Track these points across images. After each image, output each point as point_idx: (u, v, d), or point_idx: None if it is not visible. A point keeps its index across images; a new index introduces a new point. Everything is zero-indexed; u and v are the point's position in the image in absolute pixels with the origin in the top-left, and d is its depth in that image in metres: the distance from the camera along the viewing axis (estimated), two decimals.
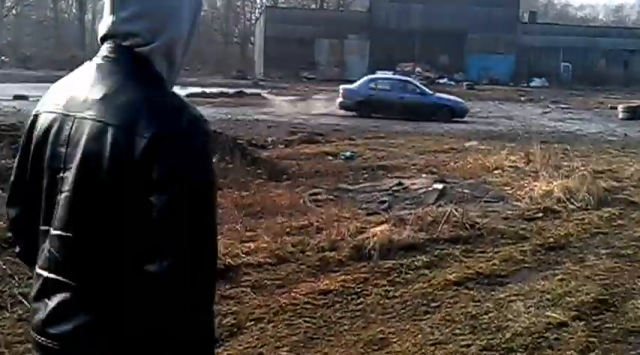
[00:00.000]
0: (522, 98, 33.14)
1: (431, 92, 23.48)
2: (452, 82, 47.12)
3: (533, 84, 49.54)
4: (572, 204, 8.03)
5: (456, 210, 7.03)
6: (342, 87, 23.36)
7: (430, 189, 8.95)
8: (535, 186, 8.78)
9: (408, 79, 26.06)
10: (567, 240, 6.54)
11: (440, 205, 7.90)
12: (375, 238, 6.02)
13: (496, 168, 10.67)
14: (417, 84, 24.36)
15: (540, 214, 7.66)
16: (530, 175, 9.70)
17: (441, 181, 9.36)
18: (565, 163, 10.94)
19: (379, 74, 25.78)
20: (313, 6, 75.15)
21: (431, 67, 52.11)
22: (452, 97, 24.28)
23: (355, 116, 21.28)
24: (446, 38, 54.45)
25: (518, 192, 8.80)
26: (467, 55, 55.88)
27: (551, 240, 6.50)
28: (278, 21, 55.57)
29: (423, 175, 10.06)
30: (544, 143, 14.52)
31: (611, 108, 27.98)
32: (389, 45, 54.42)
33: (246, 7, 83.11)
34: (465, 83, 42.87)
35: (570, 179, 8.72)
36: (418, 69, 51.05)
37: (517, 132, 16.73)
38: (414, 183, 9.38)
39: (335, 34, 54.98)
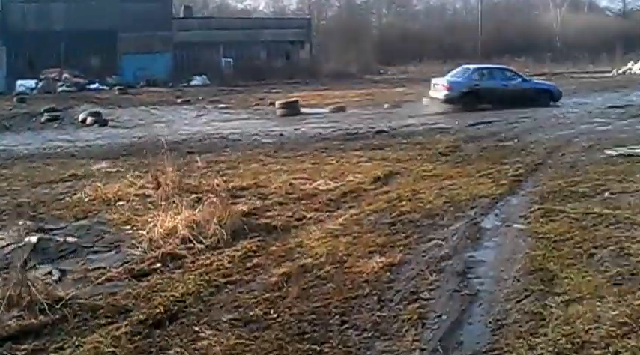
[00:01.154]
0: (179, 100, 32.08)
1: (528, 78, 25.37)
2: (104, 87, 44.57)
3: (194, 83, 49.01)
4: (201, 242, 6.80)
5: (31, 283, 5.28)
6: (444, 79, 23.94)
7: (21, 244, 7.06)
8: (159, 221, 7.39)
9: (506, 66, 28.26)
10: (183, 304, 5.20)
11: (31, 267, 6.19)
12: None
13: (120, 199, 9.09)
14: (515, 71, 26.16)
15: (158, 264, 6.25)
16: (160, 205, 8.27)
17: (38, 231, 7.49)
18: (204, 182, 9.81)
19: (474, 65, 26.41)
20: None
21: (81, 72, 48.91)
22: (548, 82, 28.06)
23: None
24: (96, 39, 51.49)
25: (140, 233, 7.34)
26: (120, 56, 53.70)
27: (162, 308, 5.09)
28: None
29: (21, 222, 8.04)
30: (190, 153, 13.48)
31: (271, 103, 28.30)
32: (29, 50, 50.02)
33: None
34: (117, 87, 40.57)
35: (200, 208, 7.51)
36: (66, 75, 47.58)
37: (157, 144, 15.29)
38: (1, 239, 7.38)
39: None
